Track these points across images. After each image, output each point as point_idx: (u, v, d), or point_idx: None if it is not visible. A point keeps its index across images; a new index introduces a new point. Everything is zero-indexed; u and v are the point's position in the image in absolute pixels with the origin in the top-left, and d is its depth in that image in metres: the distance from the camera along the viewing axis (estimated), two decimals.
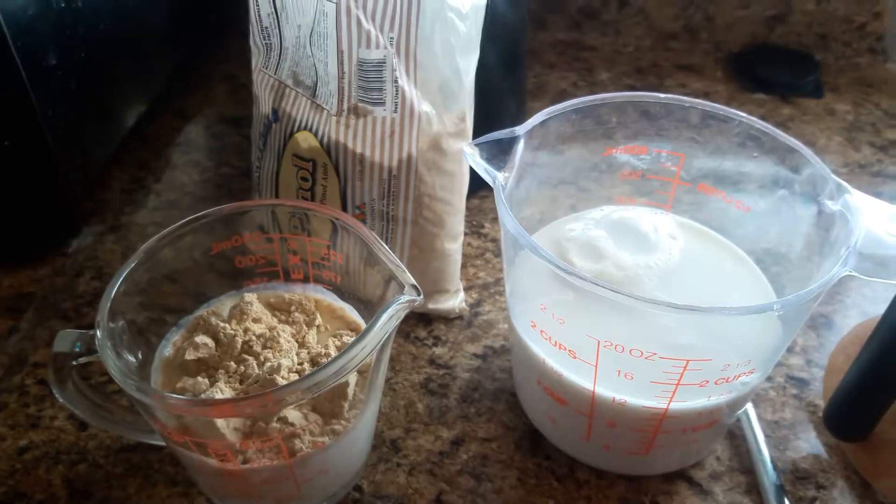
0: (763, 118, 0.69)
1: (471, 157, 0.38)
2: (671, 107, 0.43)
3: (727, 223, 0.44)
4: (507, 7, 0.54)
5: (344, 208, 0.46)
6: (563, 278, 0.33)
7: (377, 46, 0.41)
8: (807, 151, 0.39)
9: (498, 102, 0.59)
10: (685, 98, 0.43)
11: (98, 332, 0.34)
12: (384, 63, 0.42)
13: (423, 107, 0.44)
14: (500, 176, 0.38)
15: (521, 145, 0.39)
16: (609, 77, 0.76)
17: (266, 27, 0.46)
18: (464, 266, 0.54)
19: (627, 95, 0.43)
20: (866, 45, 0.77)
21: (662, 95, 0.42)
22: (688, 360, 0.33)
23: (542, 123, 0.41)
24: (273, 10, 0.45)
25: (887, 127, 0.70)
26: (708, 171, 0.44)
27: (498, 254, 0.56)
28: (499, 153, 0.39)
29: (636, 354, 0.33)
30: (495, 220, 0.59)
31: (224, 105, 0.72)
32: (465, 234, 0.57)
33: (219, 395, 0.34)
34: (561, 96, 0.73)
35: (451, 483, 0.42)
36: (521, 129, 0.39)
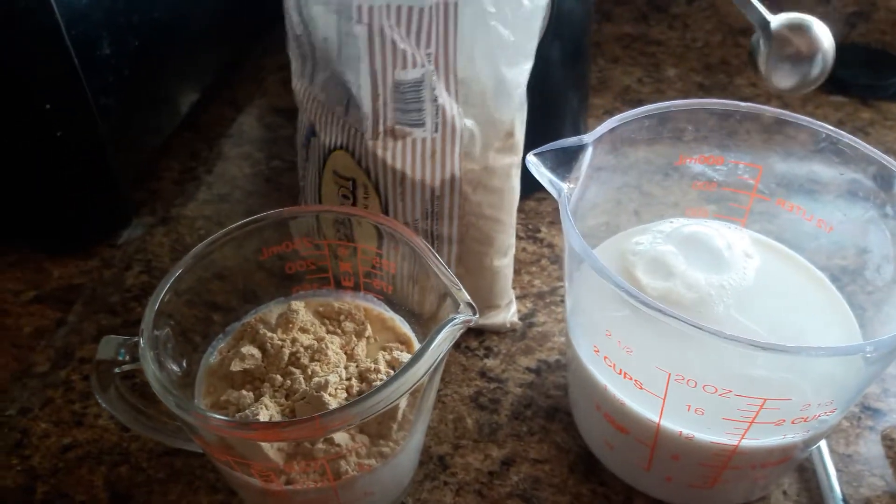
0: (840, 122, 0.66)
1: (534, 167, 0.36)
2: (750, 115, 0.40)
3: (801, 238, 0.41)
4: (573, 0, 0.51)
5: (381, 232, 0.43)
6: (630, 303, 0.30)
7: (414, 66, 0.38)
8: None
9: (560, 99, 0.56)
10: (766, 107, 0.40)
11: (141, 342, 0.33)
12: (422, 82, 0.39)
13: (466, 123, 0.41)
14: (566, 187, 0.36)
15: (588, 154, 0.37)
16: (676, 73, 0.72)
17: (298, 35, 0.43)
18: (518, 273, 0.52)
19: (703, 102, 0.40)
20: None
21: (742, 104, 0.40)
22: (765, 399, 0.30)
23: (612, 130, 0.38)
24: (301, 20, 0.42)
25: None
26: (788, 185, 0.41)
27: (554, 260, 0.54)
28: (564, 162, 0.37)
29: (710, 391, 0.31)
30: (552, 223, 0.57)
31: (276, 96, 0.70)
32: (521, 238, 0.55)
33: (263, 412, 0.33)
34: (625, 92, 0.70)
35: None
36: (588, 138, 0.37)
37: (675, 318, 0.29)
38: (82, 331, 0.49)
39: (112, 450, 0.42)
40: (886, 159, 0.37)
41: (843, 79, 0.69)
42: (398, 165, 0.41)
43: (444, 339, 0.31)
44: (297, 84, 0.45)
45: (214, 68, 0.66)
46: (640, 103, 0.68)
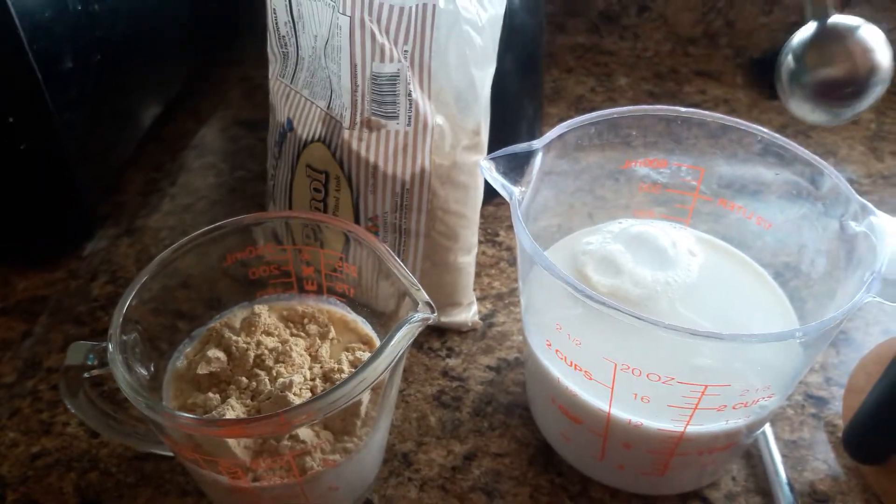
0: (784, 126, 0.69)
1: (487, 171, 0.38)
2: (691, 120, 0.42)
3: (747, 236, 0.44)
4: (525, 13, 0.53)
5: (356, 220, 0.45)
6: (578, 298, 0.32)
7: (391, 60, 0.41)
8: (831, 170, 0.38)
9: (515, 107, 0.58)
10: (706, 112, 0.42)
11: (110, 346, 0.34)
12: (398, 76, 0.41)
13: (437, 120, 0.43)
14: (517, 191, 0.37)
15: (538, 159, 0.39)
16: (627, 82, 0.75)
17: (283, 36, 0.45)
18: (478, 275, 0.53)
19: (647, 109, 0.42)
20: None
21: (683, 109, 0.42)
22: (706, 386, 0.32)
23: (561, 136, 0.40)
24: (290, 19, 0.44)
25: None
26: (728, 186, 0.43)
27: (513, 263, 0.56)
28: (516, 167, 0.38)
29: (654, 378, 0.33)
30: (510, 227, 0.58)
31: (239, 107, 0.71)
32: (480, 242, 0.56)
33: (230, 412, 0.34)
34: (578, 101, 0.72)
35: (463, 499, 0.41)
36: (538, 143, 0.39)
37: (617, 309, 0.31)
38: (49, 341, 0.50)
39: (81, 456, 0.43)
40: (816, 160, 0.39)
41: None
42: (371, 157, 0.43)
43: (403, 337, 0.32)
44: (276, 84, 0.47)
45: (177, 81, 0.67)
46: (592, 111, 0.71)
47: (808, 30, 0.38)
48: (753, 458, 0.43)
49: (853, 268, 0.36)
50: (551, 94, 0.72)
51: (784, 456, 0.43)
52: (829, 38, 0.35)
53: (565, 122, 0.40)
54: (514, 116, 0.59)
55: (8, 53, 0.45)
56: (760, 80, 0.74)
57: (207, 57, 0.74)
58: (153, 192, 0.62)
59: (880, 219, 0.35)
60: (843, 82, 0.36)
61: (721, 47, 0.78)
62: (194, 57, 0.71)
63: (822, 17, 0.35)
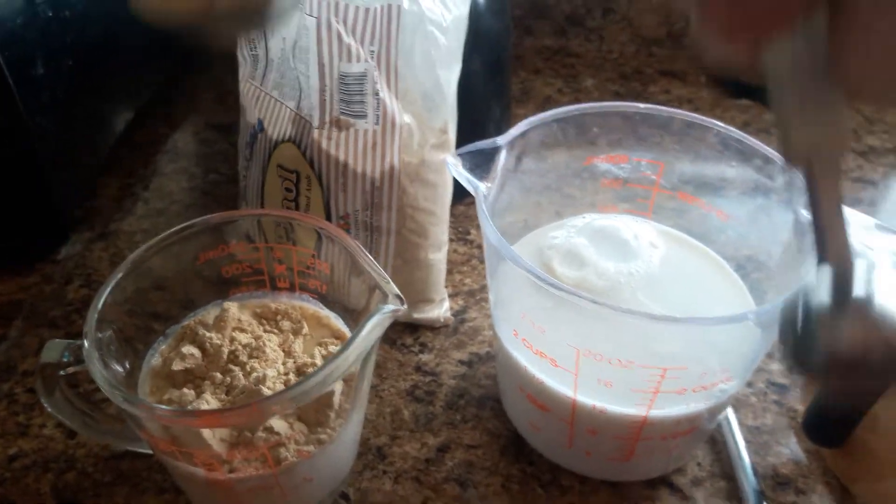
0: (746, 124, 0.71)
1: (453, 167, 0.39)
2: (651, 116, 0.43)
3: (709, 230, 0.45)
4: (491, 15, 0.54)
5: (328, 219, 0.46)
6: (542, 287, 0.33)
7: (358, 60, 0.42)
8: (781, 159, 0.40)
9: (483, 108, 0.60)
10: (664, 108, 0.43)
11: (85, 343, 0.34)
12: (365, 76, 0.42)
13: (405, 119, 0.44)
14: (483, 186, 0.39)
15: (503, 155, 0.40)
16: (594, 83, 0.76)
17: (252, 38, 0.46)
18: (450, 272, 0.55)
19: (608, 105, 0.43)
20: None
21: (642, 105, 0.43)
22: (665, 369, 0.34)
23: (524, 133, 0.41)
24: None
25: (868, 133, 0.70)
26: (688, 180, 0.45)
27: (483, 260, 0.57)
28: (481, 163, 0.40)
29: (615, 363, 0.34)
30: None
31: (211, 112, 0.72)
32: (451, 240, 0.58)
33: (205, 405, 0.35)
34: (546, 102, 0.74)
35: (437, 490, 0.42)
36: (502, 140, 0.40)
37: (577, 295, 0.32)
38: (24, 345, 0.50)
39: (58, 457, 0.44)
40: (771, 152, 0.41)
41: (748, 84, 0.74)
42: (341, 156, 0.44)
43: (373, 327, 0.33)
44: (246, 86, 0.48)
45: (149, 87, 0.68)
46: None
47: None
48: (718, 444, 0.44)
49: (805, 257, 0.38)
50: (519, 96, 0.74)
51: (748, 441, 0.44)
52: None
53: (528, 119, 0.42)
54: (481, 117, 0.60)
55: None
56: (723, 79, 0.76)
57: (179, 63, 0.75)
58: (127, 196, 0.62)
59: None
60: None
61: (685, 48, 0.80)
62: (166, 63, 0.71)
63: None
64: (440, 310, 0.51)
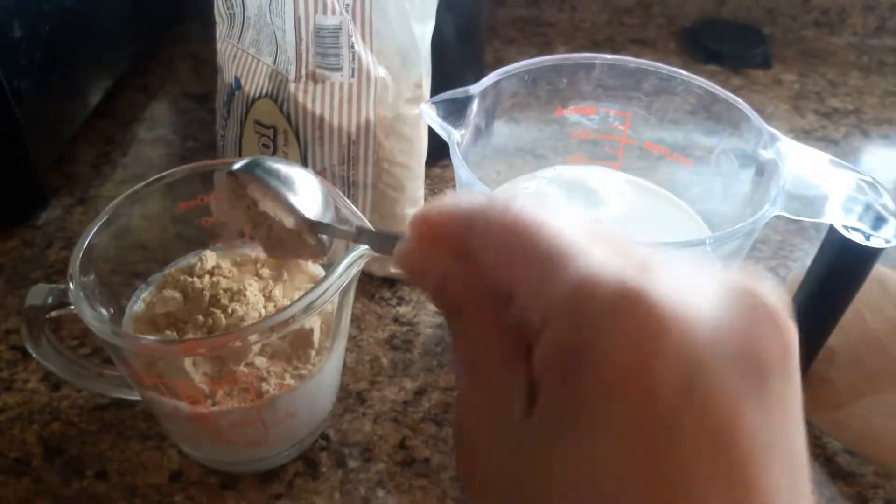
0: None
1: (427, 114, 0.40)
2: (618, 68, 0.45)
3: (676, 185, 0.47)
4: None
5: None
6: None
7: (333, 13, 0.43)
8: (743, 105, 0.41)
9: (456, 75, 0.60)
10: (630, 58, 0.45)
11: (71, 285, 0.35)
12: (340, 29, 0.43)
13: (379, 72, 0.45)
14: (457, 133, 0.40)
15: (475, 104, 0.41)
16: (566, 51, 0.77)
17: None
18: None
19: (576, 57, 0.45)
20: (812, 19, 0.80)
21: (609, 56, 0.45)
22: None
23: (496, 84, 0.43)
24: None
25: (831, 96, 0.73)
26: (653, 130, 0.46)
27: None
28: (454, 111, 0.41)
29: None
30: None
31: (187, 82, 0.73)
32: (427, 200, 0.59)
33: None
34: None
35: (415, 429, 0.44)
36: (474, 89, 0.41)
37: None
38: (6, 305, 0.51)
39: (43, 409, 0.44)
40: (732, 98, 0.42)
41: (716, 50, 0.76)
42: (317, 110, 0.45)
43: (350, 263, 0.34)
44: (223, 45, 0.49)
45: (126, 56, 0.68)
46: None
47: None
48: None
49: (764, 193, 0.39)
50: (493, 64, 0.74)
51: None
52: None
53: (500, 70, 0.43)
54: (455, 84, 0.61)
55: None
56: (692, 47, 0.78)
57: (156, 33, 0.75)
58: (105, 163, 0.63)
59: (784, 143, 0.38)
60: None
61: (654, 16, 0.82)
62: (143, 32, 0.72)
63: None
64: None
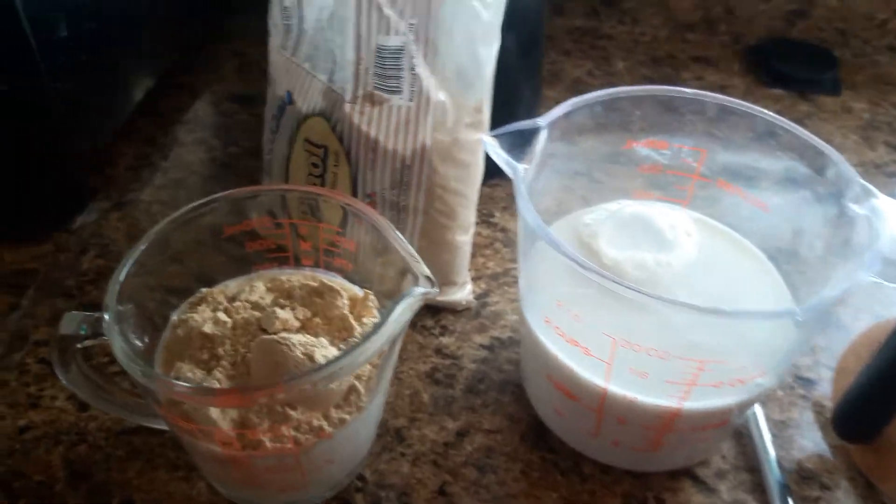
0: (779, 114, 0.68)
1: (491, 147, 0.37)
2: (694, 101, 0.42)
3: (742, 219, 0.44)
4: None
5: (354, 196, 0.45)
6: (582, 274, 0.32)
7: (397, 33, 0.40)
8: (833, 152, 0.38)
9: (514, 88, 0.58)
10: (708, 93, 0.42)
11: (106, 316, 0.33)
12: (403, 50, 0.41)
13: (440, 96, 0.43)
14: (521, 167, 0.37)
15: (542, 137, 0.38)
16: (625, 66, 0.74)
17: (287, 7, 0.45)
18: (473, 255, 0.53)
19: (651, 89, 0.42)
20: (886, 43, 0.75)
21: (687, 90, 0.42)
22: (703, 361, 0.32)
23: (567, 115, 0.40)
24: None
25: None
26: (728, 168, 0.43)
27: (507, 244, 0.55)
28: (520, 144, 0.38)
29: (652, 353, 0.32)
30: (506, 209, 0.58)
31: (233, 82, 0.70)
32: (475, 222, 0.56)
33: (216, 385, 0.33)
34: (576, 84, 0.72)
35: (455, 474, 0.41)
36: (543, 121, 0.39)
37: (620, 284, 0.31)
38: (36, 314, 0.49)
39: (69, 430, 0.43)
40: (819, 142, 0.39)
41: (783, 73, 0.72)
42: (372, 132, 0.43)
43: (403, 311, 0.32)
44: (277, 56, 0.47)
45: (170, 55, 0.66)
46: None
47: None
48: (743, 437, 0.43)
49: (851, 252, 0.36)
50: (549, 77, 0.72)
51: (773, 435, 0.43)
52: None
53: (570, 101, 0.40)
54: (512, 98, 0.58)
55: (1, 20, 0.44)
56: (757, 67, 0.74)
57: (201, 31, 0.73)
58: (145, 166, 0.61)
59: (882, 201, 0.35)
60: None
61: (719, 33, 0.78)
62: (188, 30, 0.70)
63: None
64: (463, 293, 0.49)
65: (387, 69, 0.41)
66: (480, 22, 0.41)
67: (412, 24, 0.40)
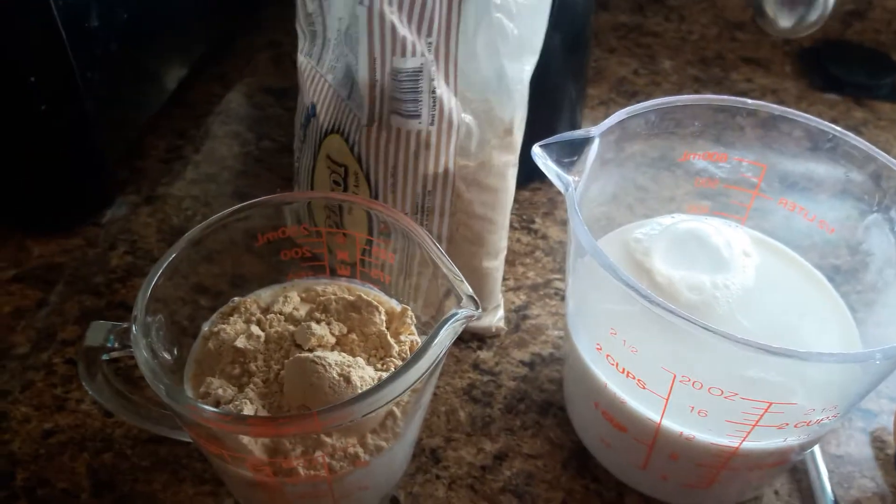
0: (833, 121, 0.66)
1: (541, 160, 0.35)
2: (760, 114, 0.39)
3: (798, 234, 0.41)
4: None
5: (372, 221, 0.42)
6: (642, 304, 0.30)
7: (413, 54, 0.37)
8: (892, 162, 0.36)
9: (559, 88, 0.55)
10: (774, 105, 0.39)
11: (133, 328, 0.31)
12: (421, 71, 0.38)
13: (464, 118, 0.40)
14: (573, 181, 0.35)
15: (594, 147, 0.36)
16: (672, 66, 0.72)
17: (310, 13, 0.42)
18: (511, 264, 0.51)
19: (712, 98, 0.39)
20: None
21: (750, 102, 0.39)
22: (771, 403, 0.30)
23: (621, 123, 0.37)
24: None
25: None
26: (785, 181, 0.41)
27: (548, 252, 0.53)
28: (570, 154, 0.36)
29: (715, 393, 0.30)
30: (546, 214, 0.56)
31: (266, 74, 0.69)
32: (514, 228, 0.54)
33: (247, 406, 0.32)
34: (621, 83, 0.69)
35: (493, 501, 0.39)
36: (596, 131, 0.36)
37: (685, 318, 0.28)
38: (64, 312, 0.48)
39: (95, 436, 0.41)
40: (890, 160, 0.36)
41: (838, 77, 0.69)
42: (391, 157, 0.40)
43: (446, 336, 0.30)
44: (303, 61, 0.44)
45: (203, 44, 0.64)
46: (635, 94, 0.68)
47: None
48: (798, 473, 0.41)
49: None
50: (592, 75, 0.69)
51: (830, 472, 0.41)
52: None
53: (625, 109, 0.38)
54: (556, 98, 0.56)
55: (33, 10, 0.43)
56: (810, 70, 0.71)
57: (235, 20, 0.71)
58: (176, 158, 0.59)
59: None
60: None
61: (770, 34, 0.75)
62: (221, 19, 0.68)
63: None
64: (493, 318, 0.47)
65: (404, 93, 0.38)
66: (507, 36, 0.38)
67: (430, 43, 0.38)
